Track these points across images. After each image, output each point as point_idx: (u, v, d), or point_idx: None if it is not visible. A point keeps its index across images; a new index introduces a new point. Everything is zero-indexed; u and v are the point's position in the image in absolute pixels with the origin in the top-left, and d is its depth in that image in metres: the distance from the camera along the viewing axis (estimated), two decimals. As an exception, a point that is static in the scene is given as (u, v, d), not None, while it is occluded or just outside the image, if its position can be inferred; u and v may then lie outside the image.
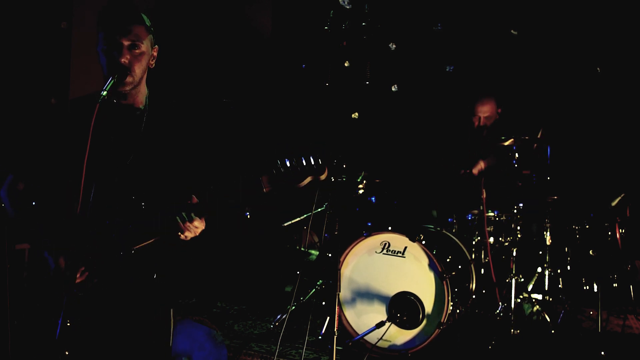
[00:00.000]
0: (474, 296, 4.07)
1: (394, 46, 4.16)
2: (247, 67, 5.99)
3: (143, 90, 2.31)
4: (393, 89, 4.38)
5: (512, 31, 4.97)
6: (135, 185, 2.21)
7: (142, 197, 2.19)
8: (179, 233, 2.08)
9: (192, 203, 2.08)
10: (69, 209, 2.15)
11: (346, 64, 3.86)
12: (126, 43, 2.15)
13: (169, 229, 2.08)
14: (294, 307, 4.08)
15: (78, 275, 2.12)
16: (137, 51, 2.18)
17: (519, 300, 4.24)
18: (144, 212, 2.16)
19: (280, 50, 6.02)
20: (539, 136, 4.34)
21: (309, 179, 1.97)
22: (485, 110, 4.74)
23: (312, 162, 1.96)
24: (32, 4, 4.55)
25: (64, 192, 2.21)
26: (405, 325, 3.66)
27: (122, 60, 2.14)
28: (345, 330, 3.84)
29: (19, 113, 4.31)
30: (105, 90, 2.05)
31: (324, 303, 4.33)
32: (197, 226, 2.08)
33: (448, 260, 3.88)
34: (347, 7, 3.67)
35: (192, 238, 2.13)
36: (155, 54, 2.28)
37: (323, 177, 1.98)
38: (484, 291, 4.27)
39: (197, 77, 5.78)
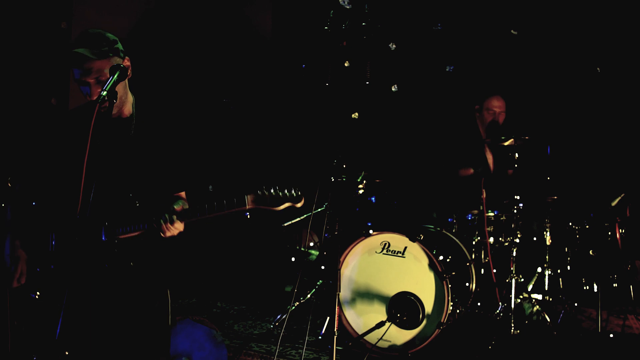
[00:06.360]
0: (473, 296, 4.07)
1: (394, 46, 4.16)
2: (247, 67, 5.99)
3: (128, 99, 2.44)
4: (393, 89, 4.38)
5: (512, 31, 4.97)
6: (126, 186, 2.36)
7: (134, 195, 2.38)
8: (160, 232, 2.30)
9: (176, 210, 2.33)
10: (67, 208, 2.25)
11: (346, 64, 3.87)
12: (92, 81, 2.26)
13: (152, 226, 2.30)
14: (294, 307, 4.07)
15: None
16: (103, 79, 2.26)
17: (519, 300, 4.24)
18: (137, 210, 2.35)
19: (280, 51, 6.02)
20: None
21: (286, 205, 2.31)
22: (499, 105, 4.72)
23: (293, 192, 2.31)
24: (32, 4, 4.55)
25: (62, 191, 2.25)
26: (405, 325, 3.66)
27: (94, 98, 2.24)
28: (345, 330, 3.84)
29: (19, 113, 4.31)
30: (105, 90, 2.12)
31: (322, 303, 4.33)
32: (177, 227, 2.32)
33: (448, 260, 3.88)
34: (347, 7, 3.67)
35: (170, 237, 2.36)
36: (128, 63, 2.37)
37: (299, 205, 2.34)
38: (484, 291, 4.27)
39: (197, 77, 5.78)
